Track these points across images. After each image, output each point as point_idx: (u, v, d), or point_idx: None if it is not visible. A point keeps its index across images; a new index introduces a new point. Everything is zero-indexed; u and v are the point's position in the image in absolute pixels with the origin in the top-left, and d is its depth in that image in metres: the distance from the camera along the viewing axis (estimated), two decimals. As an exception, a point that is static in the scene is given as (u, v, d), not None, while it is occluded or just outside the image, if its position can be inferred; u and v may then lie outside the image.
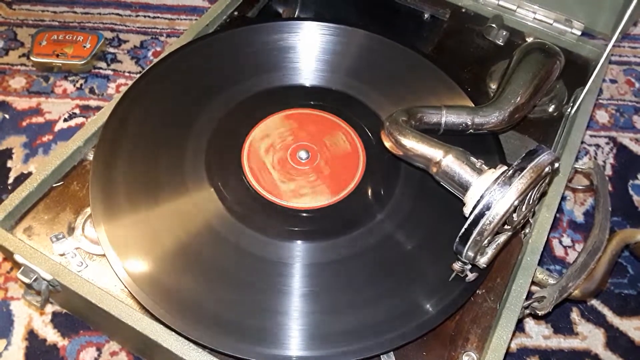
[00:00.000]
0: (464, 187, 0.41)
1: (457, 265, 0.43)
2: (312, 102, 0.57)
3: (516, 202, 0.37)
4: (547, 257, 0.66)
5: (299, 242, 0.48)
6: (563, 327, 0.62)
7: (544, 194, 0.51)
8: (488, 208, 0.37)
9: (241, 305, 0.44)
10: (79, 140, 0.53)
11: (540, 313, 0.47)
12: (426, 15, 0.70)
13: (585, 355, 0.60)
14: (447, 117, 0.50)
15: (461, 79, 0.59)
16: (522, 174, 0.37)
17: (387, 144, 0.47)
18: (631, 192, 0.73)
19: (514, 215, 0.39)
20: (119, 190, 0.49)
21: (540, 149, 0.38)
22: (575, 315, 0.62)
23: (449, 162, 0.42)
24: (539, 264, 0.49)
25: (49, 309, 0.59)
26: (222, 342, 0.42)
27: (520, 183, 0.37)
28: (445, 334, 0.46)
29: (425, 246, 0.48)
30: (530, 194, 0.38)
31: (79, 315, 0.58)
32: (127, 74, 0.80)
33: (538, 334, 0.61)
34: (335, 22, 0.61)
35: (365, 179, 0.52)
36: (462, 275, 0.43)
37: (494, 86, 0.62)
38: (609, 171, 0.74)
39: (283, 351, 0.42)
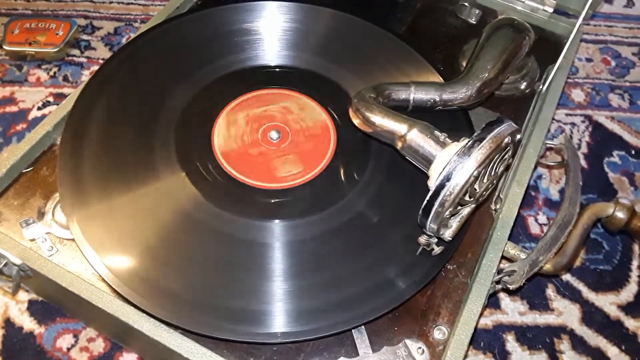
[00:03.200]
0: (428, 161, 0.41)
1: (422, 239, 0.43)
2: (281, 82, 0.57)
3: (475, 173, 0.37)
4: (523, 235, 0.67)
5: (275, 221, 0.48)
6: (538, 303, 0.62)
7: (508, 167, 0.51)
8: (448, 179, 0.37)
9: (212, 286, 0.44)
10: (48, 125, 0.53)
11: (511, 287, 0.47)
12: (400, -5, 0.70)
13: (560, 330, 0.60)
14: (416, 94, 0.50)
15: (433, 57, 0.59)
16: (482, 144, 0.37)
17: (355, 121, 0.47)
18: (606, 169, 0.73)
19: (476, 186, 0.39)
20: (87, 175, 0.48)
21: (500, 119, 0.38)
22: (550, 291, 0.63)
23: (413, 135, 0.42)
24: (514, 242, 0.49)
25: (25, 297, 0.59)
26: (194, 322, 0.42)
27: (479, 153, 0.37)
28: (417, 309, 0.46)
29: (396, 222, 0.48)
30: (492, 164, 0.38)
31: (54, 302, 0.58)
32: (101, 61, 0.79)
33: (514, 311, 0.61)
34: (304, 2, 0.61)
35: (336, 157, 0.52)
36: (428, 249, 0.44)
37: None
38: (584, 149, 0.75)
39: (260, 329, 0.42)
